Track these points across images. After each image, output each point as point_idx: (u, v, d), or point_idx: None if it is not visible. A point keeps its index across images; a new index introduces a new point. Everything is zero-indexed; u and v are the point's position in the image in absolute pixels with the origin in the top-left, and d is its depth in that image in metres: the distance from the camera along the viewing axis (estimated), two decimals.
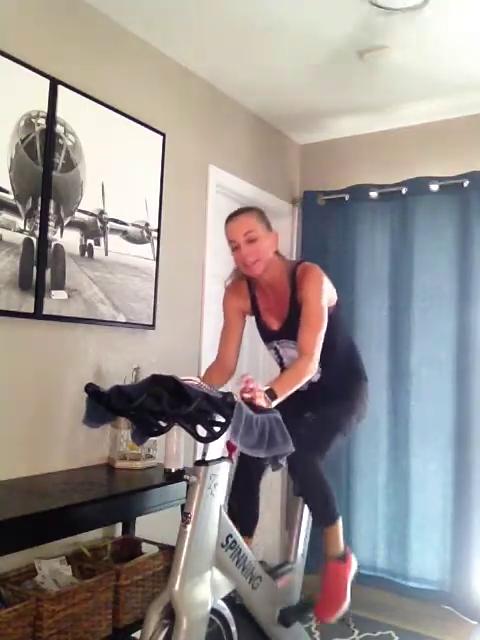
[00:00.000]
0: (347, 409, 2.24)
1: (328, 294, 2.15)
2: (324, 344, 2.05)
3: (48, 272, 2.24)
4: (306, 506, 2.30)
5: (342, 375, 2.27)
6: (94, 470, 2.38)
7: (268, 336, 2.29)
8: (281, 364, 2.33)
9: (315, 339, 2.01)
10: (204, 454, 1.78)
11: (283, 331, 2.19)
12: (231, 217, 2.15)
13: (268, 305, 2.26)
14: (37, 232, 2.20)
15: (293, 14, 2.45)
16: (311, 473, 2.04)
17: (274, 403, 1.80)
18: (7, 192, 2.09)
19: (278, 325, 2.23)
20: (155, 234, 2.73)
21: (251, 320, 2.35)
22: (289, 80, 3.05)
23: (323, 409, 2.23)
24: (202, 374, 2.40)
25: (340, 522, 2.15)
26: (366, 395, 2.32)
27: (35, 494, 2.00)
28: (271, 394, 1.80)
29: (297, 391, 1.93)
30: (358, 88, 3.11)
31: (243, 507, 2.22)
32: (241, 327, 2.33)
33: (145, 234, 2.67)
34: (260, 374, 3.55)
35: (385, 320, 3.47)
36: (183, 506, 1.78)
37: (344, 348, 2.32)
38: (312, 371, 1.99)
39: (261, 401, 1.71)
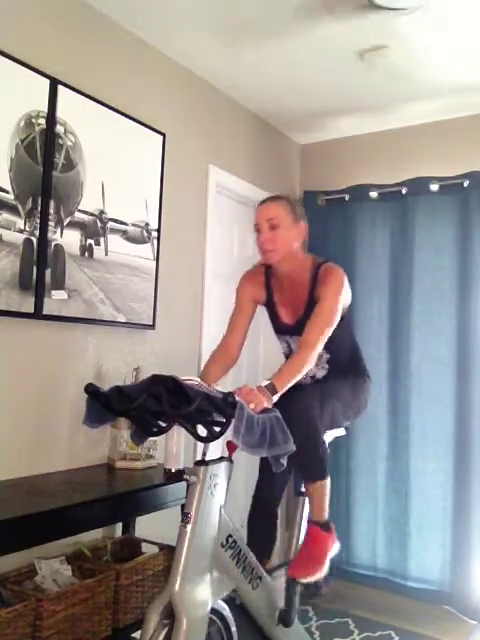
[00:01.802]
0: (351, 389, 2.23)
1: (345, 297, 2.15)
2: (333, 345, 2.05)
3: (48, 272, 2.24)
4: (306, 504, 2.27)
5: (346, 373, 2.28)
6: (94, 470, 2.38)
7: (281, 329, 2.28)
8: (289, 356, 2.32)
9: (321, 334, 2.01)
10: (204, 454, 1.78)
11: (298, 327, 2.15)
12: (262, 202, 2.17)
13: (284, 298, 2.24)
14: (37, 232, 2.20)
15: (293, 14, 2.45)
16: (307, 422, 1.97)
17: (275, 397, 1.79)
18: (7, 192, 2.09)
19: (293, 320, 2.21)
20: (155, 234, 2.73)
21: (253, 323, 2.34)
22: (289, 80, 3.05)
23: (324, 384, 2.23)
24: (205, 362, 2.37)
25: (328, 483, 2.08)
26: (368, 393, 2.33)
27: (35, 494, 2.00)
28: (272, 388, 1.80)
29: (300, 385, 1.93)
30: (358, 88, 3.11)
31: (262, 534, 2.24)
32: (251, 315, 2.30)
33: (145, 234, 2.67)
34: (260, 370, 3.56)
35: (385, 320, 3.47)
36: (183, 506, 1.77)
37: (349, 349, 2.33)
38: (312, 362, 1.98)
39: (260, 406, 1.70)
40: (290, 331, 2.23)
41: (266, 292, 2.28)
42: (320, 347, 2.01)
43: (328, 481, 2.09)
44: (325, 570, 2.05)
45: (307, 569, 2.03)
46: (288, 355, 2.31)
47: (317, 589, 2.15)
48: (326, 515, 2.11)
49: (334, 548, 2.12)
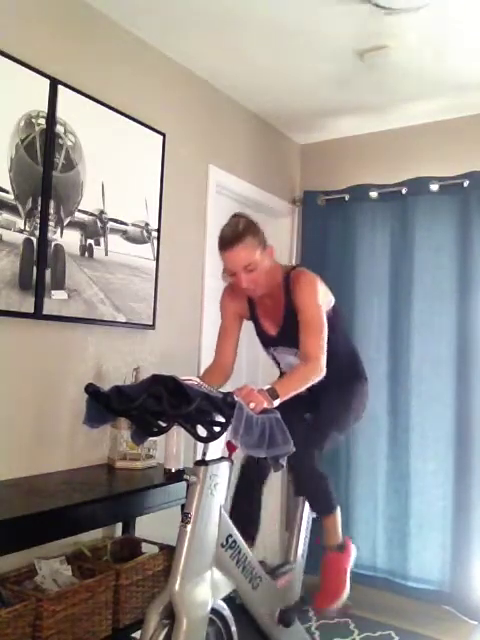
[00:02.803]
0: (345, 408, 2.25)
1: (324, 297, 2.14)
2: (326, 349, 2.05)
3: (48, 272, 2.24)
4: (306, 505, 2.30)
5: (341, 375, 2.27)
6: (94, 470, 2.38)
7: (266, 341, 2.29)
8: (280, 370, 2.34)
9: (318, 342, 2.00)
10: (204, 454, 1.78)
11: (280, 337, 2.19)
12: (226, 245, 2.05)
13: (265, 310, 2.26)
14: (37, 232, 2.20)
15: (293, 14, 2.45)
16: (308, 466, 2.06)
17: (276, 402, 1.79)
18: (7, 192, 2.09)
19: (275, 331, 2.23)
20: (155, 234, 2.73)
21: (249, 323, 2.35)
22: (289, 80, 3.05)
23: (322, 408, 2.24)
24: (200, 375, 2.39)
25: (338, 512, 2.19)
26: (366, 395, 2.33)
27: (35, 494, 2.00)
28: (273, 393, 1.80)
29: (297, 394, 1.94)
30: (358, 88, 3.11)
31: (244, 513, 2.23)
32: (238, 329, 2.32)
33: (145, 234, 2.67)
34: (260, 376, 3.55)
35: (385, 320, 3.46)
36: (183, 506, 1.78)
37: (345, 351, 2.32)
38: (318, 376, 1.97)
39: (260, 407, 1.70)
40: (273, 342, 2.25)
41: (249, 306, 2.28)
42: (323, 356, 1.99)
43: (338, 512, 2.21)
44: (348, 588, 2.15)
45: (332, 598, 2.12)
46: (278, 368, 2.33)
47: (344, 613, 2.28)
48: (341, 537, 2.21)
49: (352, 560, 2.22)
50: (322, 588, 2.13)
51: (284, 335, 2.15)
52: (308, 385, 1.95)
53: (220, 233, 2.08)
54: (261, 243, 2.08)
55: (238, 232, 2.05)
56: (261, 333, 2.29)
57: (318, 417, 2.24)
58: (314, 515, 2.32)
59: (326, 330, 2.04)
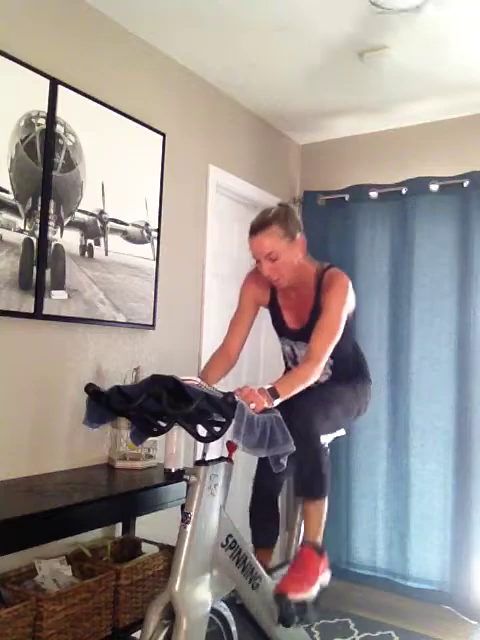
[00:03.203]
0: (351, 393, 2.22)
1: (349, 304, 2.12)
2: (337, 352, 2.04)
3: (48, 272, 2.24)
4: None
5: (348, 377, 2.27)
6: (94, 470, 2.38)
7: (285, 333, 2.26)
8: (294, 362, 2.30)
9: (326, 346, 1.99)
10: (204, 454, 1.78)
11: (303, 333, 2.15)
12: (253, 231, 2.06)
13: (289, 302, 2.23)
14: (37, 232, 2.20)
15: (293, 14, 2.45)
16: (309, 433, 1.95)
17: (276, 402, 1.79)
18: (7, 192, 2.09)
19: (298, 326, 2.20)
20: (155, 234, 2.73)
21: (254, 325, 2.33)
22: (289, 80, 3.05)
23: (327, 386, 2.22)
24: (204, 364, 2.37)
25: (325, 503, 2.06)
26: (369, 395, 2.32)
27: (35, 494, 2.00)
28: (273, 392, 1.80)
29: (303, 391, 1.93)
30: (358, 88, 3.11)
31: (264, 521, 2.23)
32: (253, 317, 2.28)
33: (145, 234, 2.67)
34: (260, 373, 3.56)
35: (385, 320, 3.47)
36: (183, 506, 1.77)
37: (353, 354, 2.32)
38: (317, 376, 1.97)
39: (260, 406, 1.70)
40: (294, 336, 2.22)
41: (271, 295, 2.26)
42: (325, 359, 1.99)
43: (325, 502, 2.06)
44: (313, 592, 1.99)
45: (296, 585, 1.96)
46: (291, 358, 2.31)
47: (304, 613, 2.07)
48: (320, 539, 2.07)
49: (325, 575, 2.07)
50: (289, 573, 2.01)
51: (308, 332, 2.08)
52: (308, 384, 1.95)
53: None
54: (289, 234, 2.05)
55: (265, 219, 2.05)
56: (280, 324, 2.26)
57: (323, 390, 2.18)
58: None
59: (338, 337, 2.03)
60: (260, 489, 2.26)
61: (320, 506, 2.06)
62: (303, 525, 2.12)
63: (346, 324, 2.10)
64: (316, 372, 1.96)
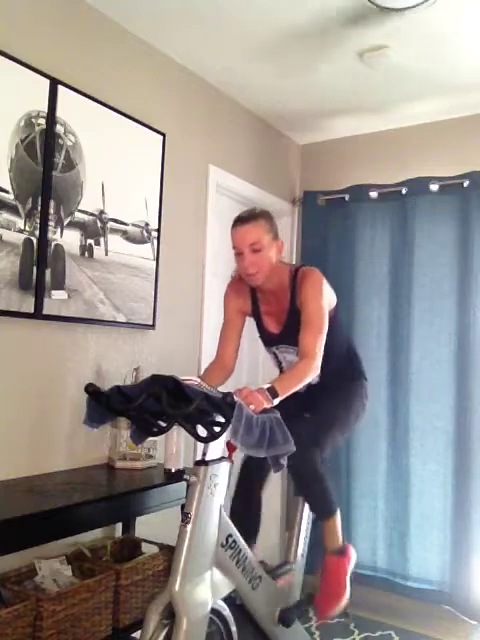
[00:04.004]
0: (345, 407, 2.24)
1: (328, 297, 2.14)
2: (326, 348, 2.05)
3: (48, 272, 2.24)
4: (306, 505, 2.30)
5: (341, 376, 2.27)
6: (94, 470, 2.38)
7: (268, 340, 2.29)
8: (280, 369, 2.34)
9: (317, 340, 2.01)
10: (204, 454, 1.78)
11: (283, 336, 2.19)
12: (238, 222, 2.10)
13: (269, 308, 2.25)
14: (37, 232, 2.20)
15: (293, 14, 2.45)
16: (309, 467, 2.04)
17: (276, 401, 1.80)
18: (7, 192, 2.09)
19: (278, 329, 2.22)
20: (155, 234, 2.73)
21: (251, 320, 2.35)
22: (289, 80, 3.05)
23: (321, 407, 2.23)
24: (201, 373, 2.39)
25: (338, 515, 2.15)
26: (366, 395, 2.32)
27: (35, 494, 2.00)
28: (273, 392, 1.80)
29: (296, 392, 1.93)
30: (358, 88, 3.11)
31: (244, 513, 2.23)
32: (241, 326, 2.32)
33: (145, 234, 2.67)
34: (260, 374, 3.55)
35: (385, 320, 3.47)
36: (183, 506, 1.77)
37: (343, 350, 2.32)
38: (314, 372, 1.98)
39: (260, 407, 1.70)
40: (275, 340, 2.24)
41: (252, 303, 2.28)
42: (320, 353, 2.00)
43: (339, 515, 2.16)
44: (348, 592, 2.11)
45: (332, 602, 2.08)
46: (279, 367, 2.33)
47: (345, 616, 2.27)
48: (341, 540, 2.17)
49: (352, 563, 2.17)
50: (322, 592, 2.11)
51: (287, 334, 2.14)
52: (306, 382, 1.96)
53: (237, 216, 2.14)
54: (272, 231, 2.11)
55: (253, 213, 2.12)
56: (263, 331, 2.29)
57: (318, 416, 2.24)
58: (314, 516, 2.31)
59: (326, 330, 2.04)
60: (243, 483, 2.26)
61: (334, 520, 2.16)
62: (323, 537, 2.18)
63: (330, 319, 2.11)
64: (313, 369, 1.97)
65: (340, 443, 2.26)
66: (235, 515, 2.18)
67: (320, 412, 2.23)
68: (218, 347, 2.30)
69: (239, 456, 2.14)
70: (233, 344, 2.29)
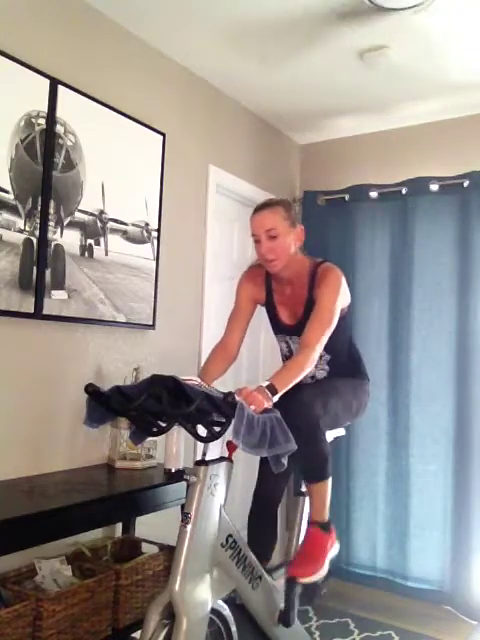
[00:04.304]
0: (350, 387, 2.23)
1: (343, 298, 2.14)
2: (333, 346, 2.05)
3: (48, 272, 2.24)
4: (306, 504, 2.28)
5: (345, 373, 2.28)
6: (94, 470, 2.38)
7: (280, 329, 2.28)
8: (289, 357, 2.32)
9: (320, 335, 2.01)
10: (204, 454, 1.78)
11: (298, 328, 2.16)
12: (257, 210, 2.13)
13: (283, 298, 2.24)
14: (37, 232, 2.20)
15: (293, 14, 2.45)
16: (308, 423, 1.96)
17: (275, 398, 1.79)
18: (7, 192, 2.09)
19: (293, 321, 2.21)
20: (155, 234, 2.73)
21: (252, 323, 2.34)
22: (289, 80, 3.05)
23: (326, 382, 2.23)
24: (204, 362, 2.37)
25: (329, 483, 2.08)
26: (367, 394, 2.32)
27: (35, 494, 2.00)
28: (272, 389, 1.80)
29: (300, 384, 1.93)
30: (358, 88, 3.11)
31: (262, 533, 2.23)
32: (250, 315, 2.31)
33: (145, 234, 2.67)
34: (260, 370, 3.56)
35: (385, 320, 3.47)
36: (183, 506, 1.77)
37: (349, 352, 2.33)
38: (313, 363, 1.98)
39: (260, 407, 1.70)
40: (290, 331, 2.23)
41: (266, 292, 2.27)
42: (320, 348, 2.00)
43: (330, 481, 2.08)
44: (324, 570, 2.05)
45: (306, 568, 2.02)
46: (287, 355, 2.31)
47: (317, 590, 2.14)
48: (327, 516, 2.11)
49: (334, 549, 2.13)
50: (298, 557, 2.07)
51: (302, 327, 2.09)
52: (304, 374, 1.95)
53: None
54: (290, 218, 2.12)
55: (271, 201, 2.16)
56: (275, 320, 2.28)
57: (322, 385, 2.21)
58: (302, 488, 2.23)
59: (332, 327, 2.04)
60: (261, 499, 2.25)
61: (324, 487, 2.08)
62: (309, 506, 2.13)
63: (342, 319, 2.12)
64: (311, 361, 1.97)
65: (338, 422, 2.22)
66: (252, 531, 2.19)
67: (326, 383, 2.22)
68: (225, 333, 2.29)
69: (242, 458, 2.13)
70: (240, 331, 2.28)
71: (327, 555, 2.07)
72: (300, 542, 2.29)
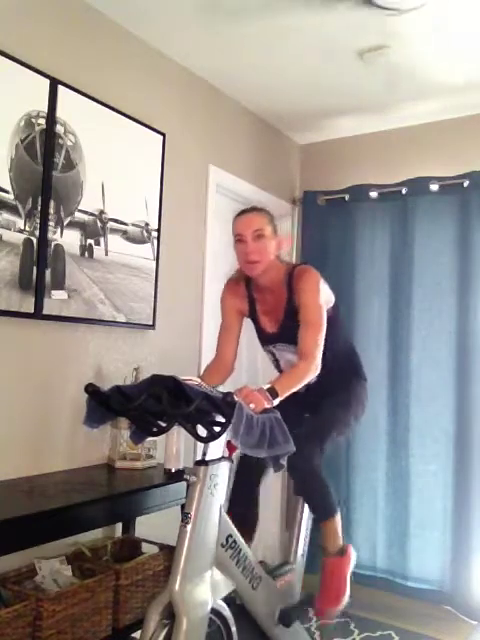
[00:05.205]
0: (344, 408, 2.24)
1: (325, 296, 2.14)
2: (325, 347, 2.05)
3: (48, 272, 2.24)
4: (306, 505, 2.30)
5: (340, 376, 2.27)
6: (94, 470, 2.38)
7: (265, 339, 2.29)
8: (278, 367, 2.34)
9: (316, 340, 2.01)
10: (204, 454, 1.78)
11: (280, 335, 2.19)
12: (242, 212, 2.16)
13: (265, 307, 2.25)
14: (37, 232, 2.20)
15: (293, 14, 2.45)
16: (308, 469, 2.03)
17: (276, 401, 1.80)
18: (7, 192, 2.09)
19: (275, 328, 2.22)
20: (155, 234, 2.73)
21: (249, 321, 2.34)
22: (289, 80, 3.05)
23: (321, 408, 2.23)
24: (201, 373, 2.39)
25: (339, 517, 2.15)
26: (365, 395, 2.32)
27: (35, 494, 2.00)
28: (273, 392, 1.80)
29: (295, 393, 1.93)
30: (358, 88, 3.11)
31: (242, 511, 2.22)
32: (239, 326, 2.32)
33: (145, 234, 2.67)
34: (260, 374, 3.55)
35: (385, 320, 3.47)
36: (183, 506, 1.78)
37: (342, 350, 2.32)
38: (314, 373, 1.99)
39: (260, 407, 1.70)
40: (272, 339, 2.24)
41: (249, 304, 2.28)
42: (319, 353, 2.01)
43: (339, 516, 2.15)
44: (348, 596, 2.10)
45: (333, 601, 2.08)
46: (276, 366, 2.33)
47: (345, 616, 2.23)
48: (341, 542, 2.16)
49: (352, 563, 2.17)
50: (322, 592, 2.11)
51: (284, 332, 2.14)
52: (306, 382, 1.97)
53: None
54: (274, 226, 2.16)
55: (256, 206, 2.21)
56: (260, 330, 2.29)
57: (318, 418, 2.24)
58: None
59: (324, 328, 2.05)
60: (241, 480, 2.25)
61: (334, 522, 2.15)
62: (323, 541, 2.17)
63: (330, 318, 2.11)
64: (313, 369, 1.98)
65: (336, 442, 2.25)
66: (232, 514, 2.18)
67: (320, 413, 2.23)
68: (217, 348, 2.31)
69: (239, 455, 2.14)
70: (232, 345, 2.29)
71: (348, 578, 2.12)
72: (301, 542, 2.30)
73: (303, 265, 2.22)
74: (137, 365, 2.52)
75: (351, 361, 2.35)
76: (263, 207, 2.20)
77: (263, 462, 2.14)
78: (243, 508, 2.23)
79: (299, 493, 2.30)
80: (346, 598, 2.09)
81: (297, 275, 2.14)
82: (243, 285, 2.28)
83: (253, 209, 2.16)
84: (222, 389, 2.13)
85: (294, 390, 1.90)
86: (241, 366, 3.25)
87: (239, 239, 2.12)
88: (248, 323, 2.35)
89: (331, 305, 2.21)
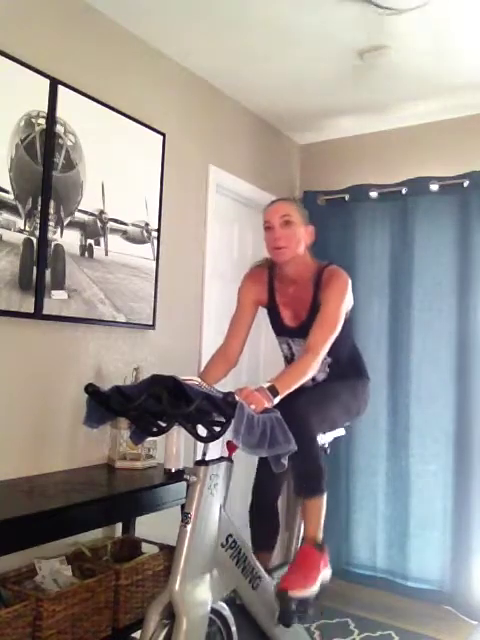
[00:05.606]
0: (349, 391, 2.22)
1: (348, 301, 2.14)
2: (335, 349, 2.05)
3: (48, 272, 2.24)
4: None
5: (346, 374, 2.27)
6: (94, 470, 2.38)
7: (282, 331, 2.26)
8: (288, 359, 2.32)
9: (325, 340, 2.00)
10: (204, 454, 1.78)
11: (301, 330, 2.15)
12: (273, 202, 2.21)
13: (286, 299, 2.23)
14: (37, 232, 2.20)
15: (293, 14, 2.45)
16: (305, 433, 1.91)
17: (276, 400, 1.79)
18: (7, 192, 2.09)
19: (296, 323, 2.20)
20: (155, 234, 2.73)
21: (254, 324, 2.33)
22: (289, 80, 3.05)
23: (326, 386, 2.22)
24: (204, 366, 2.37)
25: (324, 500, 2.04)
26: (368, 394, 2.32)
27: (35, 494, 2.00)
28: (273, 391, 1.80)
29: (302, 386, 1.93)
30: (358, 88, 3.11)
31: (264, 525, 2.22)
32: (252, 317, 2.29)
33: (145, 234, 2.67)
34: (260, 372, 3.55)
35: (385, 320, 3.47)
36: (183, 506, 1.77)
37: (351, 353, 2.32)
38: (316, 368, 1.98)
39: (260, 407, 1.70)
40: (292, 333, 2.22)
41: (269, 293, 2.26)
42: (324, 352, 2.00)
43: (324, 498, 2.04)
44: (315, 588, 1.97)
45: (297, 582, 1.94)
46: (288, 357, 2.30)
47: (305, 612, 2.04)
48: (321, 535, 2.05)
49: (326, 572, 2.06)
50: (290, 571, 1.99)
51: (306, 329, 2.08)
52: (307, 379, 1.95)
53: None
54: (304, 216, 2.18)
55: (288, 197, 2.29)
56: (277, 321, 2.26)
57: (321, 390, 2.19)
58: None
59: (337, 332, 2.04)
60: (260, 493, 2.25)
61: (319, 503, 2.03)
62: (303, 523, 2.10)
63: (345, 322, 2.11)
64: (314, 366, 1.96)
65: (337, 426, 2.20)
66: (253, 524, 2.18)
67: (323, 388, 2.21)
68: (226, 337, 2.27)
69: (245, 461, 2.13)
70: (242, 335, 2.26)
71: (319, 574, 2.00)
72: (300, 542, 2.29)
73: (336, 266, 2.19)
74: (137, 365, 2.52)
75: (355, 361, 2.34)
76: (294, 198, 2.27)
77: (280, 477, 2.13)
78: (264, 523, 2.23)
79: (295, 475, 2.23)
80: (312, 591, 1.96)
81: (328, 274, 2.13)
82: (266, 272, 2.26)
83: (281, 199, 2.23)
84: (222, 385, 2.13)
85: (295, 387, 1.89)
86: (241, 364, 3.25)
87: (267, 226, 2.12)
88: (255, 323, 2.34)
89: (349, 310, 2.20)
